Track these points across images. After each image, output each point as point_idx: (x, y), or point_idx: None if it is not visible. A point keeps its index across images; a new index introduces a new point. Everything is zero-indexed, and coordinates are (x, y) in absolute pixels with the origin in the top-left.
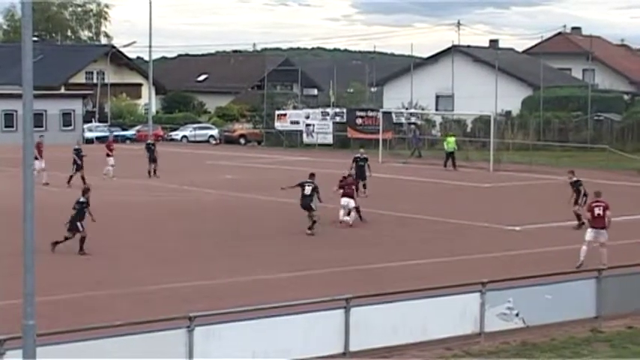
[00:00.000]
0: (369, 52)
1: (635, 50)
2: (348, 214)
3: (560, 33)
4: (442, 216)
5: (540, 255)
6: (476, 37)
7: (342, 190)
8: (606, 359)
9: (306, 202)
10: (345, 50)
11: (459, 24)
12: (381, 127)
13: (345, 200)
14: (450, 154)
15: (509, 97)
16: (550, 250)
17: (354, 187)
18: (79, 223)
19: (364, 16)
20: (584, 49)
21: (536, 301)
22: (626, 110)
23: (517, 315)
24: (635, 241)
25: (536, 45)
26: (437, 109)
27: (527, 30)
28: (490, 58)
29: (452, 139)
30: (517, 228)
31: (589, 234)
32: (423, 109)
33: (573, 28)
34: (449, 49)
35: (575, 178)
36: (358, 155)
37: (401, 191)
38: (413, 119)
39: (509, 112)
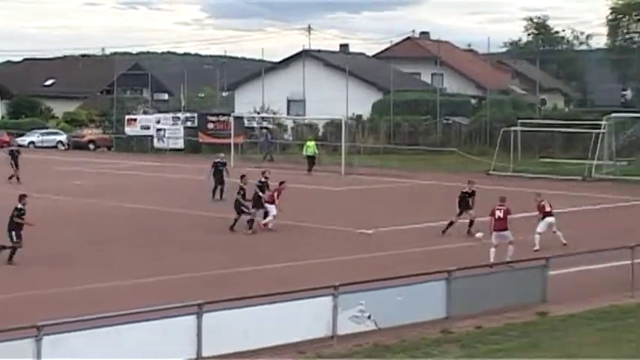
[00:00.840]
0: (220, 57)
1: (481, 55)
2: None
3: (409, 38)
4: (295, 220)
5: (392, 257)
6: (327, 41)
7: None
8: (456, 359)
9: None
10: (196, 54)
11: (309, 28)
12: (232, 132)
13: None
14: (310, 158)
15: (360, 101)
16: (402, 252)
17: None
18: (13, 232)
19: (215, 21)
20: (433, 54)
21: (387, 303)
22: (473, 114)
23: (369, 317)
24: (484, 242)
25: (386, 49)
26: (288, 114)
27: (377, 34)
28: (341, 63)
29: (312, 144)
30: (369, 231)
31: (494, 237)
32: (274, 114)
33: (422, 33)
34: (300, 53)
35: (474, 188)
36: (218, 160)
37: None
38: (265, 123)
39: (360, 116)
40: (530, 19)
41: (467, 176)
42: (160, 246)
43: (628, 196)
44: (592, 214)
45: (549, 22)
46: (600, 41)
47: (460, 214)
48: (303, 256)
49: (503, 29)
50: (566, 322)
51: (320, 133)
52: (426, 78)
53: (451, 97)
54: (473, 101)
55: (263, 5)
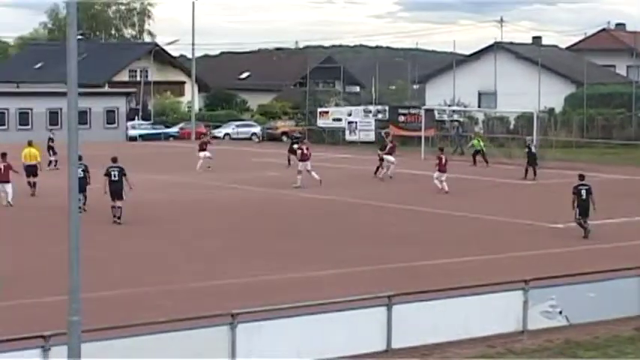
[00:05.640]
0: (411, 49)
1: None
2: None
3: (604, 29)
4: (482, 213)
5: (583, 253)
6: (518, 33)
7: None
8: None
9: (116, 188)
10: (388, 47)
11: (501, 20)
12: (423, 125)
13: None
14: (478, 152)
15: (552, 94)
16: (592, 247)
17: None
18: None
19: (408, 14)
20: (629, 46)
21: (579, 299)
22: None
23: (560, 313)
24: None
25: (579, 41)
26: (479, 106)
27: (571, 26)
28: (533, 55)
29: (476, 141)
30: (560, 225)
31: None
32: (465, 107)
33: (617, 25)
34: (491, 45)
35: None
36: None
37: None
38: (455, 116)
39: (552, 110)
40: None
41: None
42: (346, 238)
43: None
44: None
45: None
46: None
47: None
48: (493, 250)
49: None
50: None
51: (511, 126)
52: (621, 70)
53: None
54: None
55: None
